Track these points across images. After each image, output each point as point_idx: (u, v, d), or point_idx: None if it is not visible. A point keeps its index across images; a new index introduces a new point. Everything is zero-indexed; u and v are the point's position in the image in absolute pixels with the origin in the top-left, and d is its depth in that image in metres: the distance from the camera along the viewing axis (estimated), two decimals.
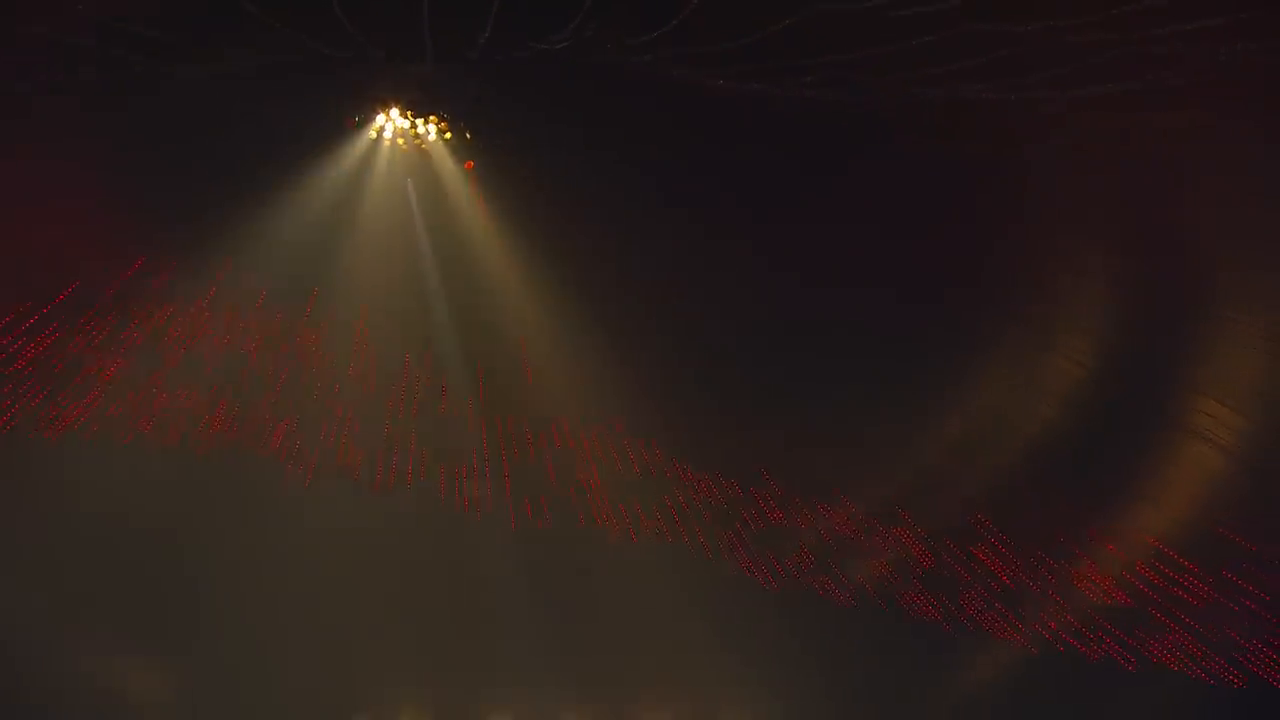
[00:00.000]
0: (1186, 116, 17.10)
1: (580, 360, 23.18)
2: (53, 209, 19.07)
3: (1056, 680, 23.50)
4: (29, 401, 20.92)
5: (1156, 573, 22.43)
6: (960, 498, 22.65)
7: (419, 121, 20.37)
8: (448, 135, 20.61)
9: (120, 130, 18.63)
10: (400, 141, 20.64)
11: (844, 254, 20.76)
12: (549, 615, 23.99)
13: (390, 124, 20.35)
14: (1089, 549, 22.73)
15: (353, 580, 23.43)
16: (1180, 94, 16.22)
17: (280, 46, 17.08)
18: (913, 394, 22.08)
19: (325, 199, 21.14)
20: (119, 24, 15.99)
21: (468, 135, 20.57)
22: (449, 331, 23.35)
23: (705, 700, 24.56)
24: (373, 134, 20.48)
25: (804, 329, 21.94)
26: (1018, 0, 14.44)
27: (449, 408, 24.11)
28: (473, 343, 23.41)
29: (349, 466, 23.98)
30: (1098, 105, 17.08)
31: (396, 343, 23.38)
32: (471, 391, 23.97)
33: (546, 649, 23.89)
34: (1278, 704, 22.39)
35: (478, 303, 23.05)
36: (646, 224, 20.93)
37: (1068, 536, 22.63)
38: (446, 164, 21.18)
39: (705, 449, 23.96)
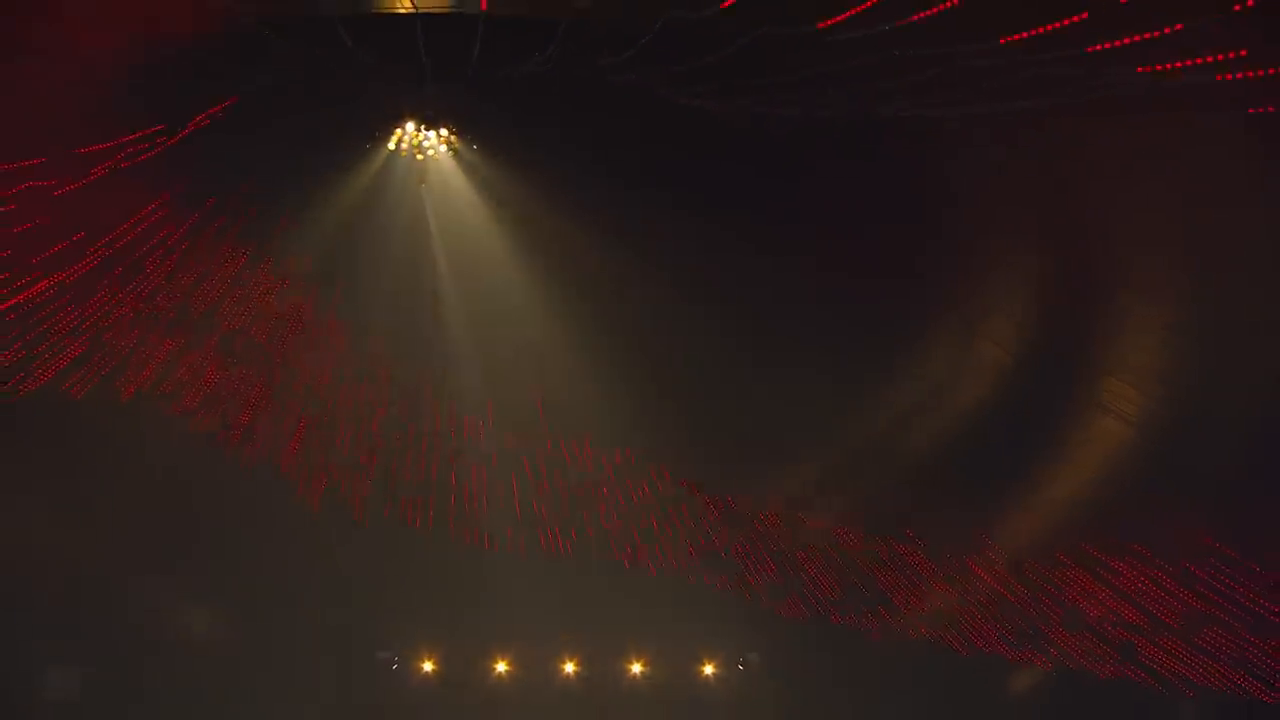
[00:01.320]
0: (1095, 129, 17.52)
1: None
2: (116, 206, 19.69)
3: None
4: (101, 369, 21.47)
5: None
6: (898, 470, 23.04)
7: (430, 134, 20.94)
8: (456, 146, 21.22)
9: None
10: (417, 154, 21.25)
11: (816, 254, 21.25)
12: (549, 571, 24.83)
13: (406, 137, 20.92)
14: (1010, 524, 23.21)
15: (379, 540, 24.51)
16: (1081, 111, 16.68)
17: (305, 70, 17.81)
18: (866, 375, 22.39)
19: (349, 204, 21.73)
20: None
21: (474, 146, 21.21)
22: (461, 330, 23.71)
23: (683, 646, 25.94)
24: (390, 145, 21.05)
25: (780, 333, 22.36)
26: (931, 30, 14.43)
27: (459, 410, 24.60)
28: (479, 334, 23.78)
29: (366, 470, 24.71)
30: (1010, 120, 17.21)
31: (409, 342, 23.70)
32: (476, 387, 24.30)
33: (545, 600, 24.91)
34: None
35: (485, 301, 23.33)
36: (642, 235, 21.33)
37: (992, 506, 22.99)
38: (457, 172, 21.73)
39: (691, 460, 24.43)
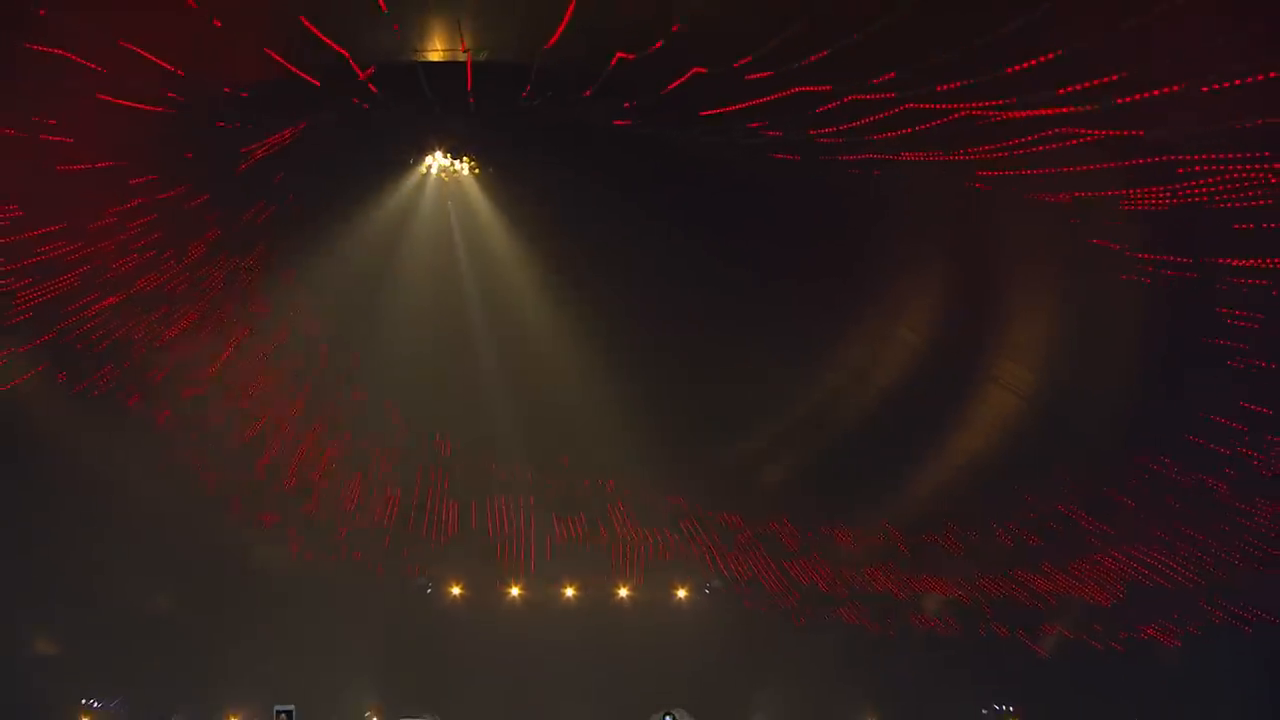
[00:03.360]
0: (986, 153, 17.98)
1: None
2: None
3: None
4: (155, 377, 23.17)
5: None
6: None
7: (455, 161, 22.87)
8: (477, 170, 23.10)
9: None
10: (443, 175, 23.20)
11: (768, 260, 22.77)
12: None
13: (435, 162, 22.93)
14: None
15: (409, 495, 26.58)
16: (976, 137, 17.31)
17: (346, 109, 19.43)
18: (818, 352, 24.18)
19: (386, 218, 23.34)
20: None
21: (489, 170, 23.05)
22: (481, 331, 25.20)
23: (661, 575, 28.20)
24: (422, 170, 23.06)
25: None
26: (838, 65, 15.71)
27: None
28: (502, 337, 25.15)
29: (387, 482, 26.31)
30: (919, 144, 18.00)
31: (430, 347, 24.93)
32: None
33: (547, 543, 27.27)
34: None
35: (505, 307, 24.81)
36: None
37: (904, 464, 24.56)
38: (478, 192, 23.47)
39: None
